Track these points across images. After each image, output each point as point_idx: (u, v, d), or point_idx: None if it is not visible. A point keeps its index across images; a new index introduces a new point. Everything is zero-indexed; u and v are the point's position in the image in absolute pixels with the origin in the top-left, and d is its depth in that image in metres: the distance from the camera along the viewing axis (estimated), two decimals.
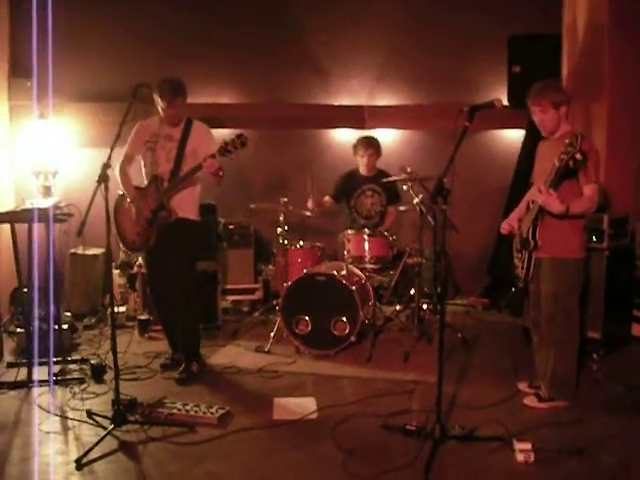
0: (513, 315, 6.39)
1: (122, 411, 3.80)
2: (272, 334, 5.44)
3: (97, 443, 3.56)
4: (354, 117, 7.30)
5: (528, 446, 3.42)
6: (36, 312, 4.94)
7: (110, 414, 3.80)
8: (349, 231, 5.77)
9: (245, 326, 6.21)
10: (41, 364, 4.68)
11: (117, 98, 5.60)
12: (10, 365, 4.93)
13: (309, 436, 3.79)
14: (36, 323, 4.91)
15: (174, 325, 4.93)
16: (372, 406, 4.19)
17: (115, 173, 4.66)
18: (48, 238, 4.71)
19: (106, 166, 3.74)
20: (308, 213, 6.04)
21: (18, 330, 5.28)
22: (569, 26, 6.57)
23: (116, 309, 5.87)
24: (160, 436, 3.73)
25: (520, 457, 3.40)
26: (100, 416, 3.87)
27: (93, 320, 6.21)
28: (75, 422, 3.94)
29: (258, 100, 7.29)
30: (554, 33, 6.59)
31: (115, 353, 3.83)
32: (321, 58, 7.28)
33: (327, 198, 6.28)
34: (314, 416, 4.06)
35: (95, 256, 6.58)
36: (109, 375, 4.64)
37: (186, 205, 4.76)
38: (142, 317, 5.97)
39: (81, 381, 4.61)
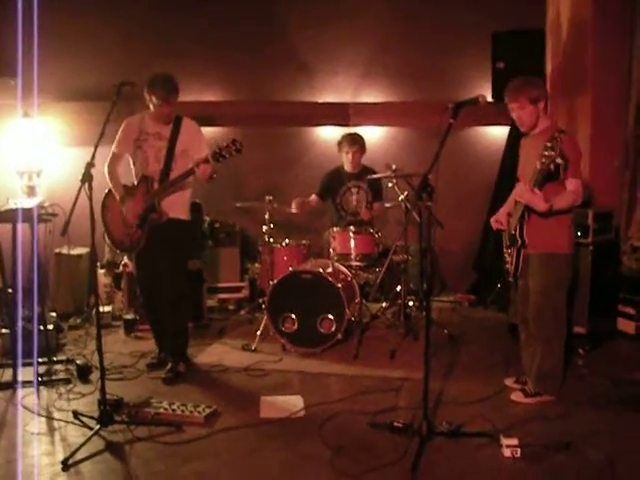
0: (499, 311, 6.41)
1: (108, 411, 3.78)
2: (258, 332, 5.43)
3: (83, 444, 3.55)
4: (339, 114, 7.31)
5: (515, 441, 3.43)
6: (21, 312, 4.91)
7: (96, 414, 3.77)
8: (335, 229, 5.75)
9: (231, 324, 6.22)
10: (26, 365, 4.64)
11: (102, 97, 5.54)
12: None
13: (296, 434, 3.78)
14: (21, 323, 4.87)
15: (163, 326, 4.88)
16: (359, 403, 4.19)
17: (104, 171, 4.64)
18: (32, 238, 4.67)
19: (90, 165, 3.69)
20: (293, 210, 6.02)
21: (3, 331, 5.23)
22: (553, 22, 6.61)
23: (102, 309, 5.87)
24: (147, 436, 3.72)
25: (507, 452, 3.41)
26: (86, 416, 3.84)
27: (78, 320, 6.19)
28: (61, 423, 3.92)
29: (243, 97, 7.29)
30: (538, 29, 6.60)
31: (101, 353, 3.81)
32: (306, 55, 7.28)
33: (313, 197, 6.23)
34: (301, 414, 4.06)
35: (80, 256, 6.56)
36: (95, 375, 4.61)
37: (177, 206, 4.71)
38: (128, 317, 5.96)
39: (67, 381, 4.58)
